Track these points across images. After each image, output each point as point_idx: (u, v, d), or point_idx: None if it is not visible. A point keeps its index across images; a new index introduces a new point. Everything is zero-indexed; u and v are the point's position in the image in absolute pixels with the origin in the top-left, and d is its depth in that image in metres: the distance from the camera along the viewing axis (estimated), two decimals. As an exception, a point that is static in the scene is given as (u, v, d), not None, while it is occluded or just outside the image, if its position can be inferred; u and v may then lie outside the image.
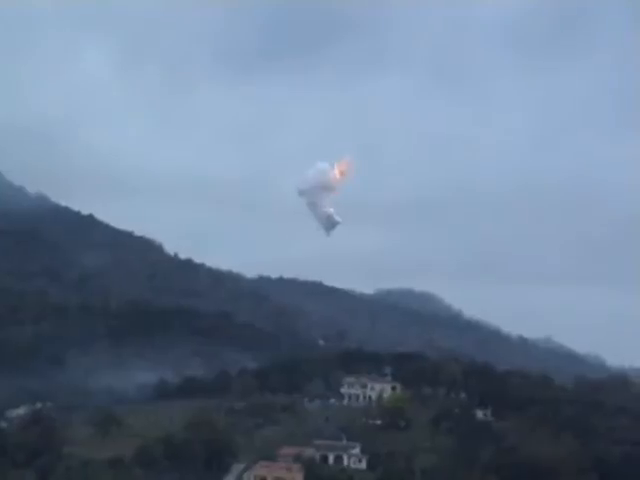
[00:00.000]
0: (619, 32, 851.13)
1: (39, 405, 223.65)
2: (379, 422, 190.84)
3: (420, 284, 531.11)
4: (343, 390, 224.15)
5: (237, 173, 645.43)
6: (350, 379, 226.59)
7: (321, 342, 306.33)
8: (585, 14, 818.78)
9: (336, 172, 75.38)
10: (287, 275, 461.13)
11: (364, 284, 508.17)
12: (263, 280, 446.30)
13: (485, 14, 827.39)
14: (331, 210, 70.48)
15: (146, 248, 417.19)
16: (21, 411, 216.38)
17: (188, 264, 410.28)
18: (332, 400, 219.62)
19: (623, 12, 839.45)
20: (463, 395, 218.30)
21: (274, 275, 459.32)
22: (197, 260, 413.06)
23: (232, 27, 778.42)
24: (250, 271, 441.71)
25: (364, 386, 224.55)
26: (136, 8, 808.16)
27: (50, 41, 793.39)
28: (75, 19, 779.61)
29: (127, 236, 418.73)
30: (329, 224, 71.25)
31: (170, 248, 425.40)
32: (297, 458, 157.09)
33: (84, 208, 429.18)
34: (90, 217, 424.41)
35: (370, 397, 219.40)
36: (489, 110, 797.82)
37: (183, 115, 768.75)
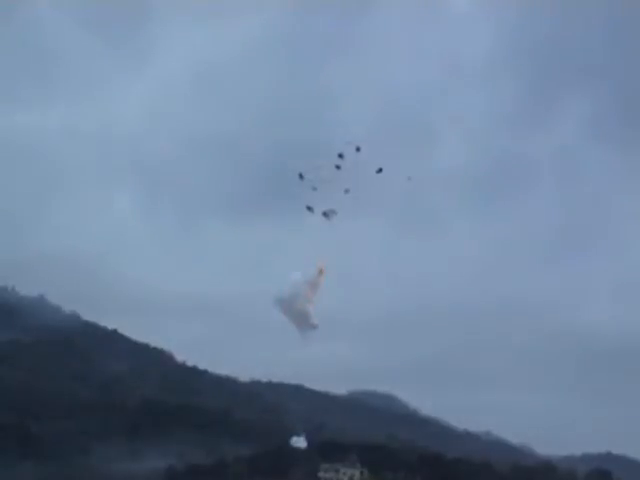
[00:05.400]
0: (557, 176, 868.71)
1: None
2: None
3: (383, 387, 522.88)
4: (320, 474, 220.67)
5: (233, 294, 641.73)
6: (326, 465, 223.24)
7: (302, 434, 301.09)
8: (520, 164, 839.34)
9: (309, 283, 67.59)
10: (274, 379, 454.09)
11: (336, 386, 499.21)
12: (255, 383, 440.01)
13: (440, 168, 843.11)
14: (309, 310, 62.74)
15: (160, 357, 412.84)
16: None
17: (194, 370, 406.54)
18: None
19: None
20: (418, 479, 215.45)
21: (264, 379, 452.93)
22: (201, 367, 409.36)
23: (231, 177, 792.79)
24: (244, 376, 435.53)
25: (337, 471, 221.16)
26: (156, 160, 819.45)
27: (86, 189, 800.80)
28: (107, 171, 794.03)
29: (144, 347, 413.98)
30: (306, 327, 63.56)
31: (180, 357, 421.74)
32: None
33: (109, 324, 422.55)
34: (114, 331, 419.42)
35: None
36: (443, 244, 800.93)
37: (191, 249, 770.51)
